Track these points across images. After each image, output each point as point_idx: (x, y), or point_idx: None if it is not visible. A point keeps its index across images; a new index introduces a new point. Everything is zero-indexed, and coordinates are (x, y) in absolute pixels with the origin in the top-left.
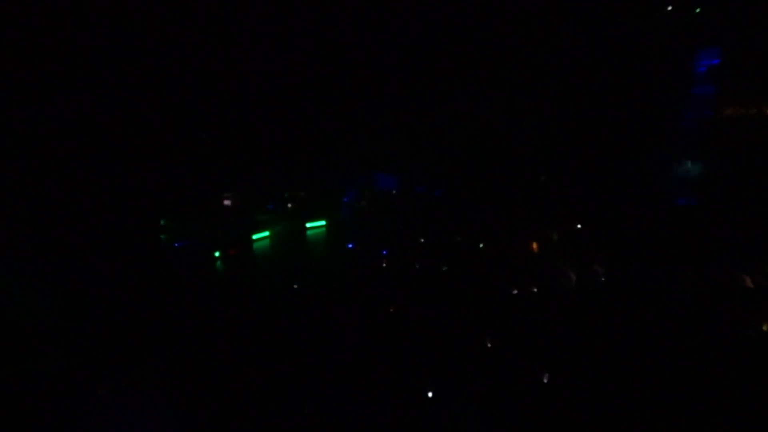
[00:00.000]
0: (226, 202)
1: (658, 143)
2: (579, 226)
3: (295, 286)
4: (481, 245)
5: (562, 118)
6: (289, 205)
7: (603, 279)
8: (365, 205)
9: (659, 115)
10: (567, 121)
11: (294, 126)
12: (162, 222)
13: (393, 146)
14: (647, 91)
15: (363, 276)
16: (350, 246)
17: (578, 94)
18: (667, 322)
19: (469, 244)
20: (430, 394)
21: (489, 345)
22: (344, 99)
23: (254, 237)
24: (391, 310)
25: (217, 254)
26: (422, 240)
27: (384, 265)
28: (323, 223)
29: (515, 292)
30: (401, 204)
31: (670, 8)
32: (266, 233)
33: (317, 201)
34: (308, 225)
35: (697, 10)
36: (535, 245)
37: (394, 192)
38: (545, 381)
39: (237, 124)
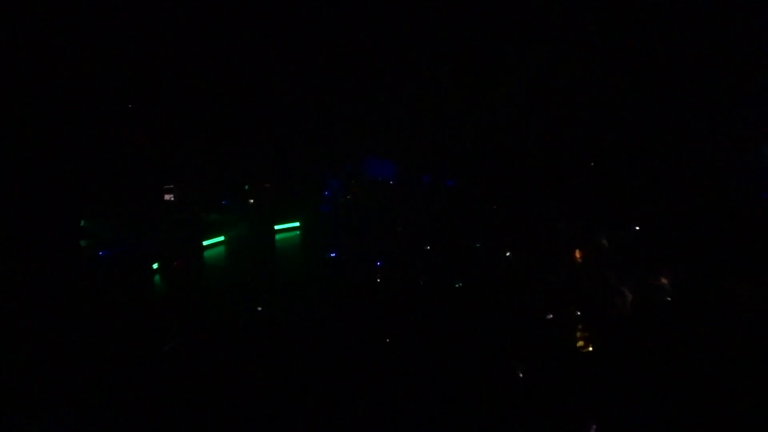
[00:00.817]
0: (167, 197)
1: (737, 122)
2: (637, 228)
3: (259, 309)
4: (507, 254)
5: (616, 92)
6: (251, 201)
7: (669, 299)
8: (352, 200)
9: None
10: (621, 96)
11: (255, 97)
12: (82, 223)
13: (389, 122)
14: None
15: (349, 296)
16: (332, 255)
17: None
18: (761, 357)
19: (490, 252)
20: None
21: (521, 392)
22: (323, 63)
23: (205, 243)
24: (387, 340)
25: (155, 266)
26: (428, 247)
27: (378, 280)
28: (296, 224)
29: (551, 316)
30: (400, 199)
31: None
32: (220, 238)
33: (288, 195)
34: (277, 227)
35: None
36: (578, 254)
37: (390, 183)
38: None
39: (178, 95)
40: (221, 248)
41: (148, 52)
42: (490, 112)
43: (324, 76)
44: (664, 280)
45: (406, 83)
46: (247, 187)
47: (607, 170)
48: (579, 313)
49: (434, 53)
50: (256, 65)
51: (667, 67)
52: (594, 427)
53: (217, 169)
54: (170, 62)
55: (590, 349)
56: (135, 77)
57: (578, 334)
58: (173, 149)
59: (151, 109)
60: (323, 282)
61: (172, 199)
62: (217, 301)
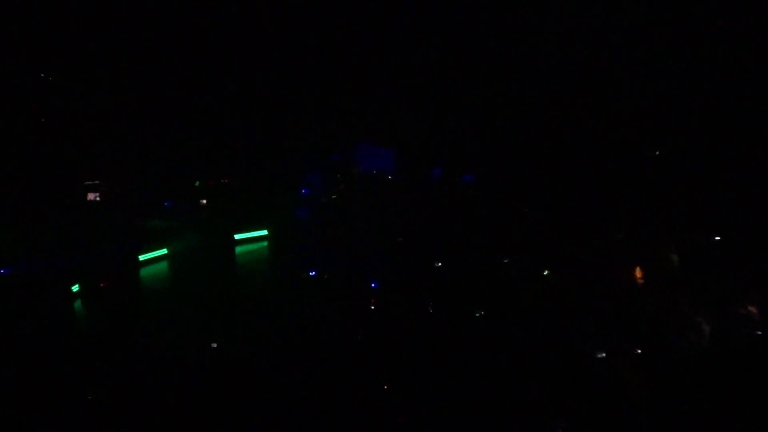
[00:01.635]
0: (92, 197)
1: None
2: (717, 238)
3: (214, 347)
4: (544, 272)
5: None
6: (203, 203)
7: (760, 332)
8: (339, 201)
9: None
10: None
11: (208, 66)
12: None
13: (387, 98)
14: None
15: (334, 330)
16: (311, 274)
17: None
18: None
19: (522, 270)
20: None
21: None
22: (306, 35)
23: (142, 258)
24: (385, 387)
25: (75, 288)
26: (439, 263)
27: (372, 308)
28: (264, 233)
29: (603, 355)
30: (402, 199)
31: None
32: (162, 252)
33: (253, 195)
34: (237, 237)
35: None
36: (639, 273)
37: (389, 178)
38: None
39: (101, 66)
40: (163, 265)
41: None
42: (523, 82)
43: (301, 40)
44: (752, 308)
45: (408, 46)
46: (197, 183)
47: (679, 162)
48: (639, 351)
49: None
50: (207, 29)
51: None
52: None
53: (158, 161)
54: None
55: (653, 399)
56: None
57: (637, 380)
58: (98, 135)
59: (67, 85)
60: (299, 311)
61: (98, 199)
62: (158, 335)
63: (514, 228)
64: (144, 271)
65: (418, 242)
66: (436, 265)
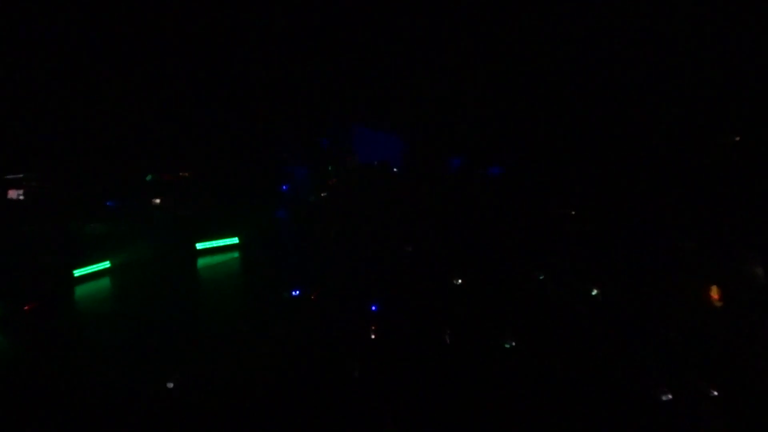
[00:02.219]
0: (14, 195)
1: None
2: None
3: (170, 387)
4: (593, 292)
5: None
6: (157, 202)
7: None
8: (330, 200)
9: None
10: None
11: (166, 32)
12: None
13: (393, 73)
14: None
15: (324, 366)
16: (294, 294)
17: None
18: None
19: (564, 288)
20: None
21: None
22: None
23: (77, 273)
24: None
25: None
26: (458, 280)
27: (372, 337)
28: (234, 241)
29: (669, 397)
30: (411, 197)
31: None
32: (104, 265)
33: (220, 193)
34: (200, 246)
35: None
36: (716, 293)
37: (395, 170)
38: None
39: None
40: (105, 282)
41: None
42: (559, 55)
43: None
44: None
45: (418, 7)
46: (149, 178)
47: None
48: (716, 392)
49: None
50: None
51: None
52: None
53: (98, 148)
54: None
55: None
56: None
57: (715, 429)
58: (20, 113)
59: None
60: (278, 342)
61: (21, 197)
62: (98, 373)
63: (554, 235)
64: (80, 291)
65: (432, 253)
66: (454, 282)
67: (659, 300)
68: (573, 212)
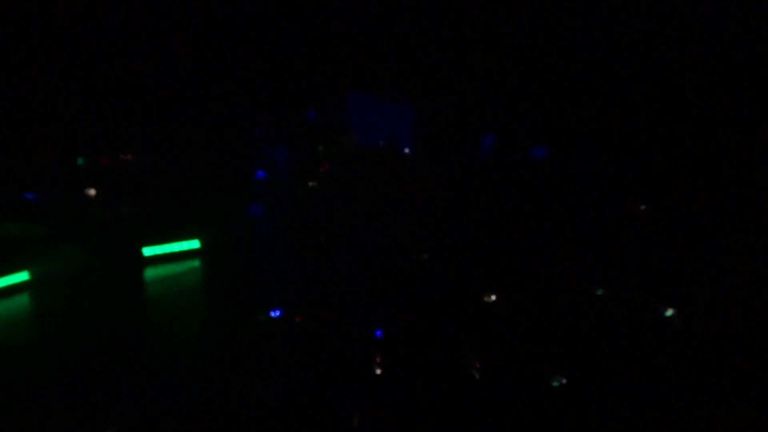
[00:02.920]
0: None
1: None
2: None
3: None
4: (668, 312)
5: None
6: (92, 194)
7: None
8: (323, 191)
9: None
10: None
11: None
12: None
13: (402, 22)
14: None
15: (313, 410)
16: (274, 315)
17: None
18: None
19: (633, 309)
20: None
21: None
22: None
23: None
24: None
25: None
26: (492, 297)
27: (378, 370)
28: (194, 246)
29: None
30: (427, 187)
31: None
32: (21, 277)
33: (176, 182)
34: (149, 252)
35: None
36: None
37: (406, 151)
38: None
39: None
40: (23, 300)
41: None
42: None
43: None
44: None
45: None
46: (80, 162)
47: None
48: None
49: None
50: None
51: None
52: None
53: (10, 124)
54: None
55: None
56: None
57: None
58: None
59: None
60: (253, 379)
61: None
62: (13, 417)
63: (618, 239)
64: None
65: (455, 262)
66: (486, 300)
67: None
68: (643, 207)
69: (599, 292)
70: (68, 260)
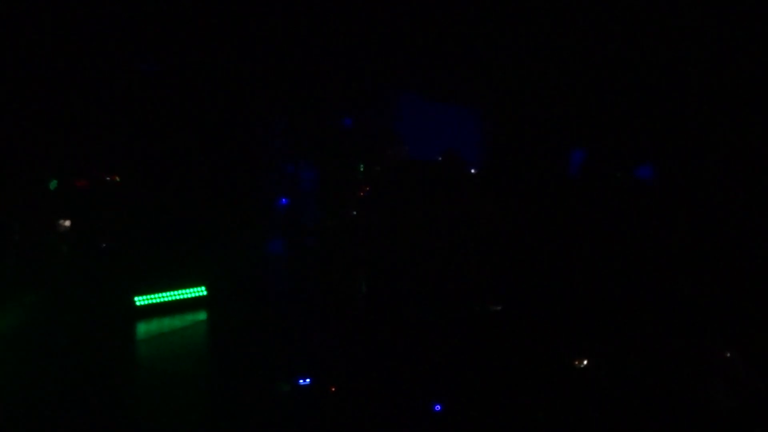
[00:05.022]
0: None
1: None
2: None
3: None
4: None
5: None
6: (66, 225)
7: None
8: (362, 221)
9: None
10: None
11: None
12: None
13: (465, 12)
14: None
15: None
16: (303, 383)
17: None
18: None
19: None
20: None
21: None
22: None
23: None
24: None
25: None
26: (584, 363)
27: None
28: (200, 293)
29: None
30: (500, 215)
31: None
32: None
33: (175, 210)
34: (141, 301)
35: None
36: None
37: (471, 171)
38: None
39: None
40: None
41: None
42: None
43: None
44: None
45: None
46: (54, 185)
47: None
48: None
49: None
50: None
51: None
52: None
53: None
54: None
55: None
56: None
57: None
58: None
59: None
60: None
61: None
62: None
63: (745, 271)
64: None
65: (537, 314)
66: (577, 364)
67: None
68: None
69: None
70: (35, 312)
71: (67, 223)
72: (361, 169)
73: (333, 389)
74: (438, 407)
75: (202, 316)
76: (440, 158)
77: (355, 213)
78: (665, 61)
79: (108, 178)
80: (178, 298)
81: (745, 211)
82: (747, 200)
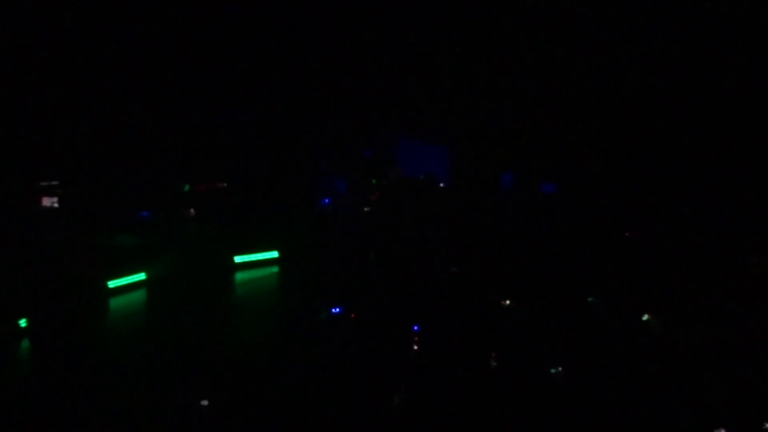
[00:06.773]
0: (48, 203)
1: None
2: None
3: (204, 404)
4: (644, 317)
5: None
6: (192, 213)
7: None
8: (373, 214)
9: None
10: None
11: (202, 39)
12: None
13: (440, 81)
14: None
15: (363, 388)
16: (334, 312)
17: None
18: None
19: (619, 315)
20: None
21: None
22: None
23: (111, 285)
24: None
25: (23, 323)
26: (507, 302)
27: (415, 347)
28: (273, 255)
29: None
30: (458, 214)
31: None
32: (139, 277)
33: (259, 204)
34: (238, 260)
35: None
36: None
37: (441, 185)
38: None
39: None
40: (139, 295)
41: None
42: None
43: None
44: None
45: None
46: (186, 188)
47: None
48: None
49: None
50: None
51: None
52: None
53: (132, 156)
54: None
55: None
56: None
57: None
58: (51, 117)
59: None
60: (316, 362)
61: (56, 206)
62: (128, 389)
63: (609, 257)
64: (113, 303)
65: (479, 274)
66: (503, 303)
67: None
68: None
69: (590, 299)
70: (174, 265)
71: (193, 211)
72: (373, 182)
73: (353, 316)
74: (416, 327)
75: (275, 269)
76: (422, 177)
77: (368, 210)
78: (565, 118)
79: (220, 184)
80: (260, 258)
81: (621, 211)
82: (623, 202)
